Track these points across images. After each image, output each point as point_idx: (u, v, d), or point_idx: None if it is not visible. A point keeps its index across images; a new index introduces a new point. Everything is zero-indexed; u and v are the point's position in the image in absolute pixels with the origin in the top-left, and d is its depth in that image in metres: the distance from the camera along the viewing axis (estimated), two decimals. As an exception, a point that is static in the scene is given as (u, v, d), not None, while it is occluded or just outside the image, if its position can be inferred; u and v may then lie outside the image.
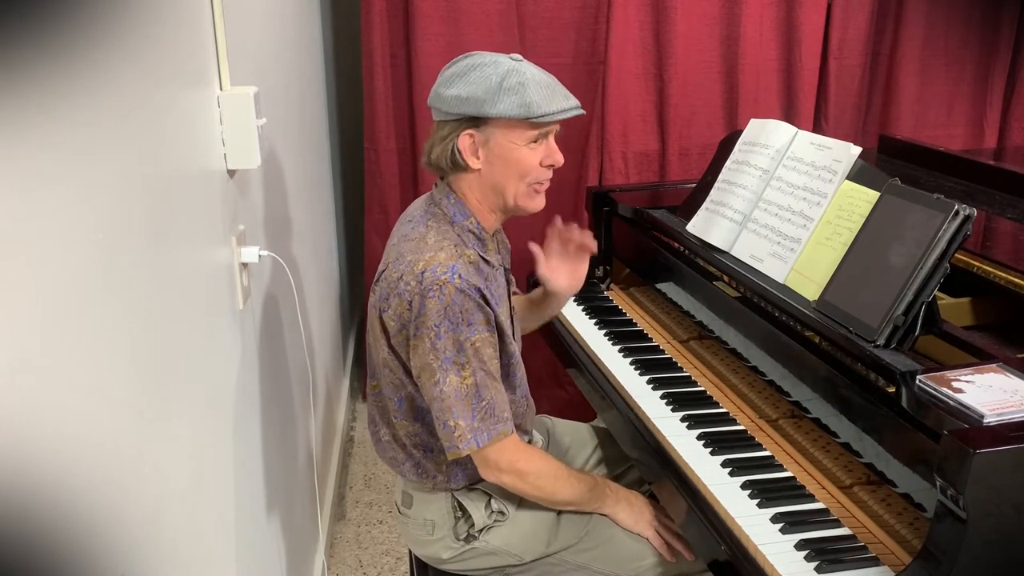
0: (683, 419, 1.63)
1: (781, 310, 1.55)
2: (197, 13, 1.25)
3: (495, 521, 1.59)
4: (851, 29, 2.99)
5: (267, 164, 1.73)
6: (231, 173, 1.41)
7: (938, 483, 1.11)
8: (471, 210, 1.50)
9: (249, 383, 1.51)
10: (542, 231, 2.96)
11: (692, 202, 1.93)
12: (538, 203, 1.52)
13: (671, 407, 1.67)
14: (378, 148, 2.94)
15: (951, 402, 1.17)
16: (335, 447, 2.83)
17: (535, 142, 1.45)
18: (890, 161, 2.25)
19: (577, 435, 1.89)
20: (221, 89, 1.36)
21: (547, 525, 1.60)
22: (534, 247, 1.76)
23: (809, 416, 1.53)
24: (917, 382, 1.23)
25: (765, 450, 1.53)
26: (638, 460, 1.70)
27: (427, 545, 1.62)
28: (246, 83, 1.44)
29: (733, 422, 1.62)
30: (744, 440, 1.56)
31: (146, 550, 0.94)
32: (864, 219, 1.46)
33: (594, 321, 2.07)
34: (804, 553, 1.26)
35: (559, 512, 1.60)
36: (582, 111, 1.47)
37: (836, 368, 1.40)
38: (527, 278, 2.28)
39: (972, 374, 1.23)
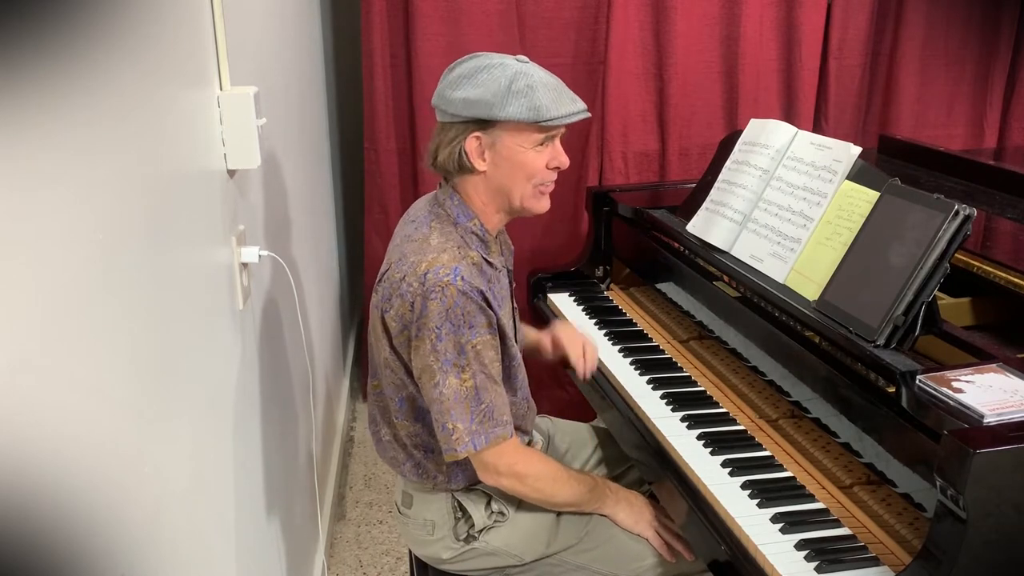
0: (683, 419, 1.63)
1: (781, 310, 1.55)
2: (197, 13, 1.25)
3: (495, 521, 1.59)
4: (851, 29, 2.99)
5: (267, 164, 1.73)
6: (231, 173, 1.41)
7: (938, 483, 1.11)
8: (475, 211, 1.50)
9: (249, 383, 1.51)
10: (544, 231, 2.98)
11: (692, 202, 1.93)
12: (544, 204, 1.52)
13: (671, 407, 1.67)
14: (378, 148, 2.94)
15: (951, 402, 1.18)
16: (335, 447, 2.83)
17: (542, 144, 1.45)
18: (890, 161, 2.25)
19: (577, 435, 1.89)
20: (221, 89, 1.36)
21: (547, 526, 1.60)
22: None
23: (809, 416, 1.53)
24: (917, 382, 1.23)
25: (765, 450, 1.53)
26: (638, 460, 1.70)
27: (427, 545, 1.62)
28: (246, 83, 1.44)
29: (733, 422, 1.62)
30: (744, 440, 1.56)
31: (146, 550, 0.94)
32: (864, 219, 1.46)
33: (594, 321, 2.07)
34: (804, 553, 1.26)
35: (559, 513, 1.60)
36: (588, 114, 1.47)
37: (836, 368, 1.40)
38: (527, 278, 2.28)
39: (972, 374, 1.23)
